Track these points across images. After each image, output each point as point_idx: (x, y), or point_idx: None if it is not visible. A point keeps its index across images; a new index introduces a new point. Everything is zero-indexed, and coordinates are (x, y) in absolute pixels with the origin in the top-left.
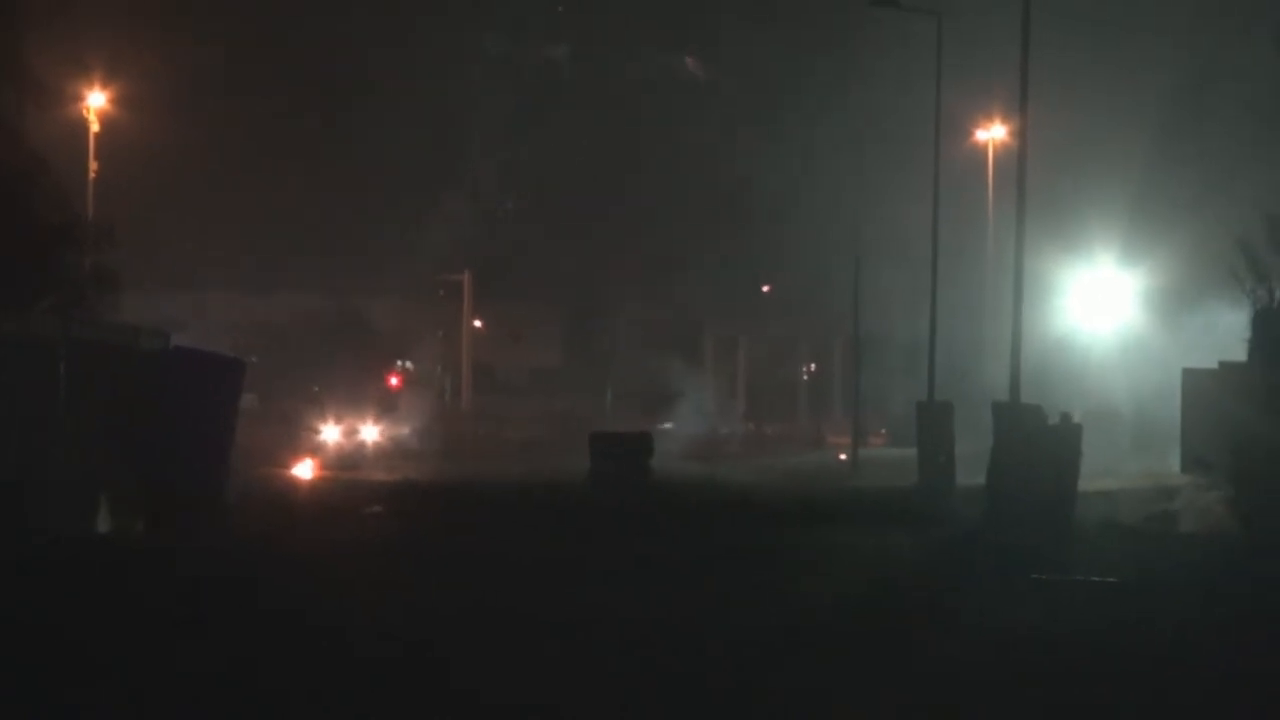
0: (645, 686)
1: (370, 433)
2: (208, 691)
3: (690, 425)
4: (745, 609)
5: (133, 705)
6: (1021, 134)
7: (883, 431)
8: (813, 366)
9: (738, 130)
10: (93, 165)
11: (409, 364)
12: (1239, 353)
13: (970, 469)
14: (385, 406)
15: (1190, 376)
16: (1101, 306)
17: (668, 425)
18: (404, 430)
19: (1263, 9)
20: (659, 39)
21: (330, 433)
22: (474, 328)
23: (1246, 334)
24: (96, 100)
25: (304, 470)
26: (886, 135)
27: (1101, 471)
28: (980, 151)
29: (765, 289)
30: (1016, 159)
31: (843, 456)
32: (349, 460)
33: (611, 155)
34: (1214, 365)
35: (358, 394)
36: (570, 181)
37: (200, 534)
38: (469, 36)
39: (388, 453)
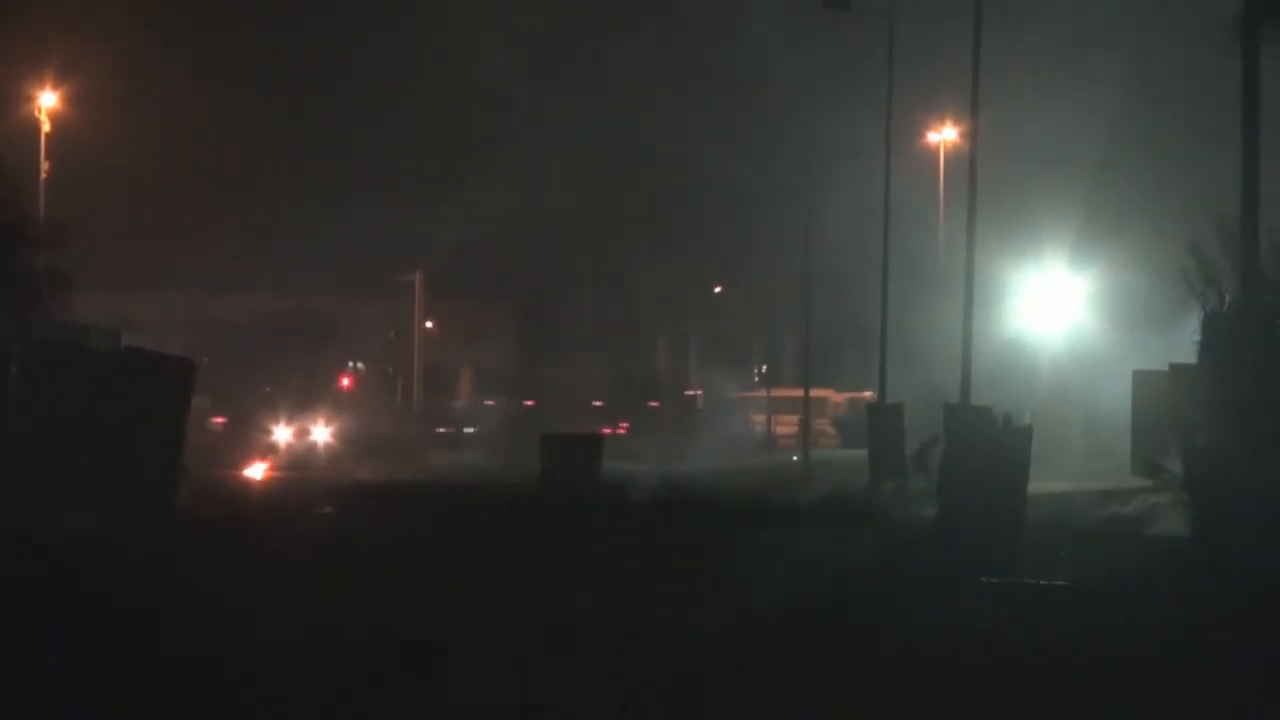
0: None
1: (322, 433)
2: (165, 690)
3: (641, 426)
4: (694, 609)
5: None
6: (972, 139)
7: (833, 431)
8: (764, 367)
9: (693, 129)
10: (45, 165)
11: (361, 365)
12: (1190, 354)
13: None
14: (337, 407)
15: (1141, 378)
16: (1053, 308)
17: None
18: (356, 431)
19: (1210, 13)
20: (618, 38)
21: (282, 433)
22: (426, 328)
23: (1197, 336)
24: (48, 100)
25: (255, 471)
26: (843, 137)
27: (1052, 473)
28: (933, 153)
29: (717, 289)
30: (968, 163)
31: (795, 458)
32: (300, 461)
33: (565, 154)
34: (1164, 367)
35: (310, 394)
36: (527, 182)
37: (151, 533)
38: (430, 36)
39: (339, 453)
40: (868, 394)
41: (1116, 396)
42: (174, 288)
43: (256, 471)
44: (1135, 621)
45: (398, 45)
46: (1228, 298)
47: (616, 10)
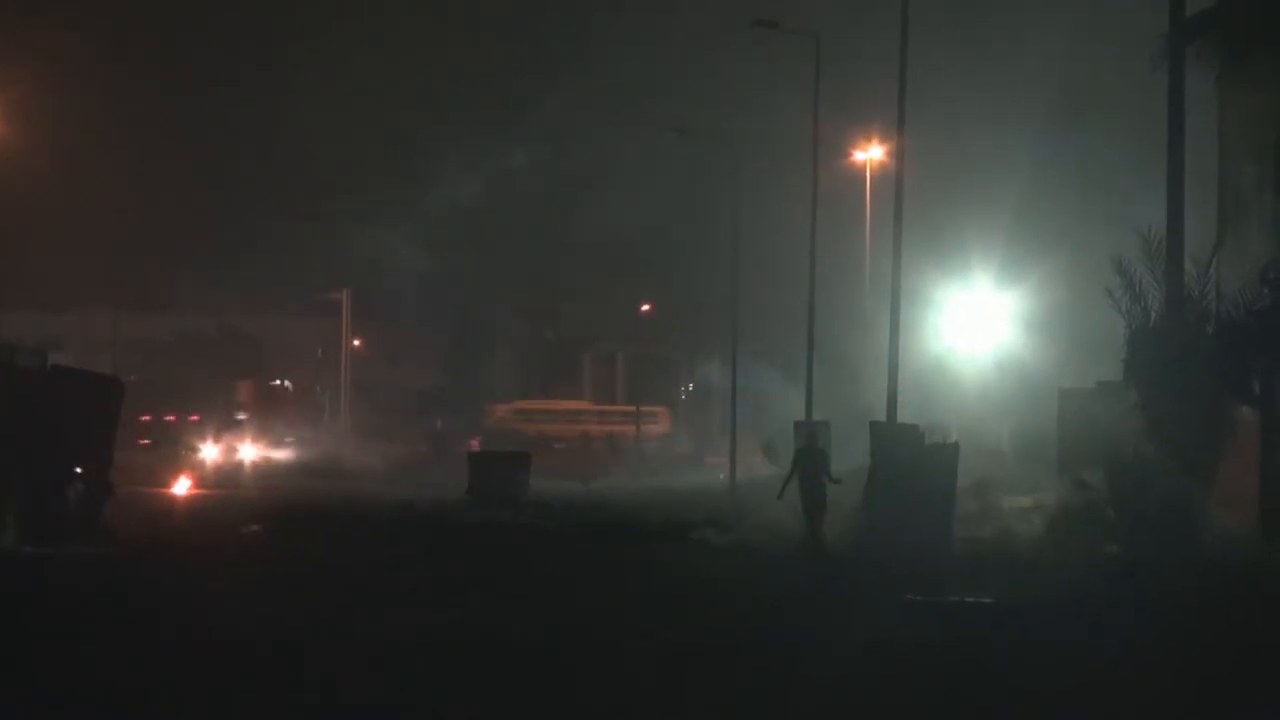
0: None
1: (249, 451)
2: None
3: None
4: (615, 630)
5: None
6: (899, 158)
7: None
8: (690, 386)
9: (619, 150)
10: None
11: (288, 383)
12: (1116, 372)
13: (847, 488)
14: (264, 425)
15: (1067, 396)
16: (980, 325)
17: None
18: (283, 449)
19: (1137, 29)
20: (546, 61)
21: (209, 451)
22: (354, 347)
23: (1123, 354)
24: None
25: (180, 488)
26: (769, 155)
27: (979, 490)
28: (860, 170)
29: (644, 308)
30: (895, 182)
31: (722, 477)
32: (228, 479)
33: (494, 177)
34: (1091, 384)
35: (237, 411)
36: (453, 202)
37: (77, 550)
38: (364, 56)
39: (266, 471)
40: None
41: (1042, 413)
42: (99, 306)
43: (181, 488)
44: (1062, 639)
45: (331, 61)
46: (1153, 315)
47: (540, 35)
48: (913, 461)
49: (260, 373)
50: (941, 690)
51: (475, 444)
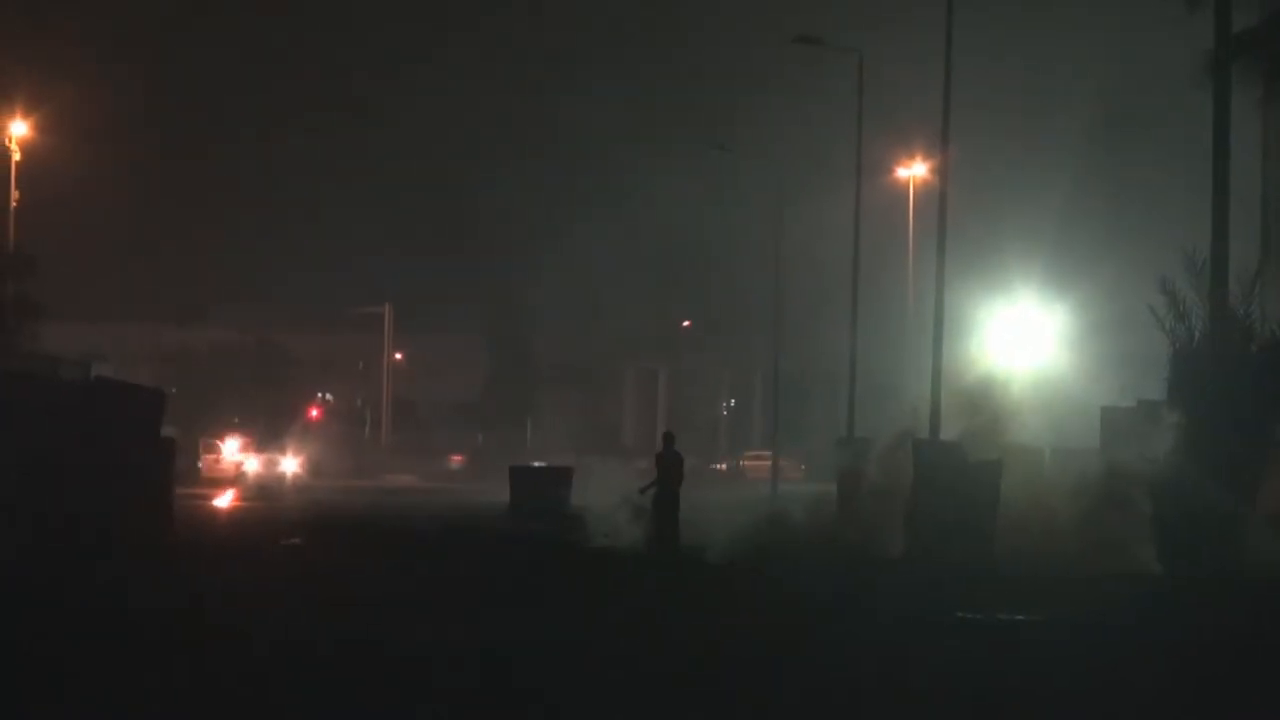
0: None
1: (290, 464)
2: None
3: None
4: (647, 642)
5: None
6: (943, 176)
7: (801, 466)
8: (732, 402)
9: (661, 166)
10: (14, 195)
11: (329, 396)
12: (1158, 390)
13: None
14: (306, 438)
15: (1109, 414)
16: (1022, 342)
17: None
18: (324, 462)
19: (1180, 47)
20: (599, 81)
21: (250, 464)
22: (395, 360)
23: (1166, 373)
24: (18, 129)
25: (223, 500)
26: (812, 171)
27: (1020, 508)
28: (902, 187)
29: (685, 324)
30: (938, 199)
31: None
32: (269, 491)
33: (533, 189)
34: (1133, 403)
35: (278, 425)
36: (491, 215)
37: (122, 565)
38: (403, 70)
39: (307, 484)
40: None
41: (1084, 431)
42: (138, 319)
43: (223, 500)
44: (1109, 656)
45: (370, 77)
46: (1197, 334)
47: (578, 55)
48: (956, 479)
49: (301, 386)
50: (999, 708)
51: None
